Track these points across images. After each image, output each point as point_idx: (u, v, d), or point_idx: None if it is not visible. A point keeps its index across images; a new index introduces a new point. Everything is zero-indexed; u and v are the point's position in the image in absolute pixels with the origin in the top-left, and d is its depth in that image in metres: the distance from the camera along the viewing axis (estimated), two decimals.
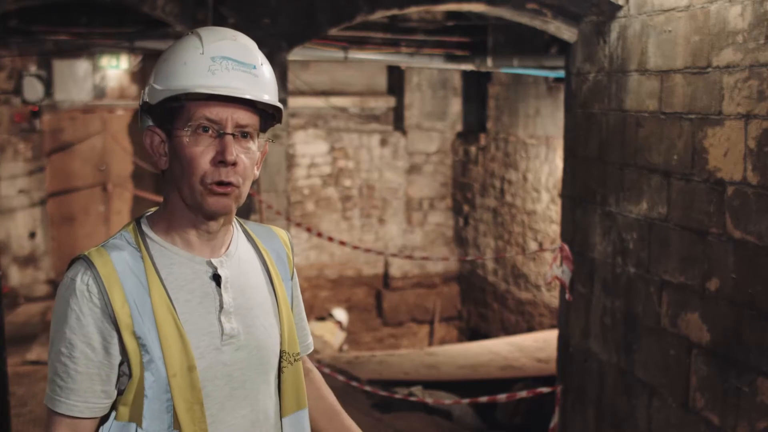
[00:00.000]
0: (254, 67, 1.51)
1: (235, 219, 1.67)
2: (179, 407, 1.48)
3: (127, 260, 1.51)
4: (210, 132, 1.49)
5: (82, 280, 1.48)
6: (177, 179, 1.52)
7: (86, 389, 1.48)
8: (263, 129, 1.59)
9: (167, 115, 1.52)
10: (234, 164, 1.49)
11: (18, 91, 9.44)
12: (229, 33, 1.55)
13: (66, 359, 1.47)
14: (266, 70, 1.55)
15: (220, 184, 1.49)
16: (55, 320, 1.49)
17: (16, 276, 9.75)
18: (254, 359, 1.58)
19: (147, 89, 1.54)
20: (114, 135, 10.11)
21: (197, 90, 1.46)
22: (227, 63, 1.48)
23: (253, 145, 1.54)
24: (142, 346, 1.48)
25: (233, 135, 1.49)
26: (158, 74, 1.53)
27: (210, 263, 1.56)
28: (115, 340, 1.48)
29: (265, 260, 1.67)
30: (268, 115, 1.57)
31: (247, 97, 1.48)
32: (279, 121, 1.60)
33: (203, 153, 1.49)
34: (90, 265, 1.49)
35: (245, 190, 1.54)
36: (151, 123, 1.56)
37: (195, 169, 1.49)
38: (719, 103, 3.32)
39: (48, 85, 9.50)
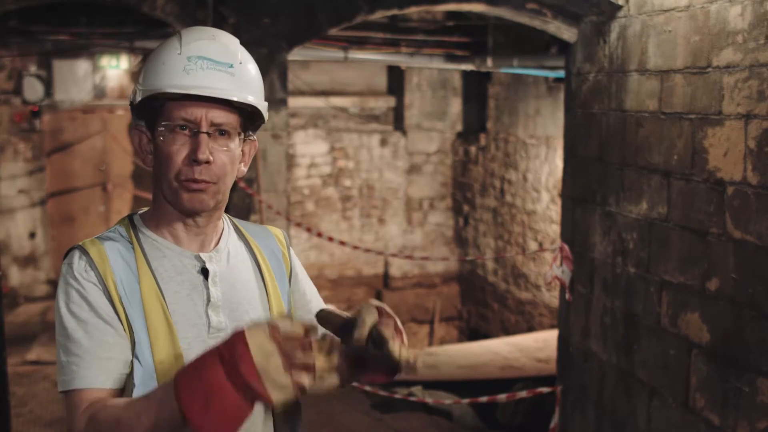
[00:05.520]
0: (231, 66, 1.53)
1: (227, 217, 1.69)
2: None
3: (119, 250, 1.54)
4: (187, 131, 1.52)
5: (79, 264, 1.51)
6: (158, 177, 1.56)
7: (102, 357, 1.46)
8: (251, 127, 1.61)
9: (150, 114, 1.55)
10: (207, 162, 1.51)
11: (18, 91, 9.44)
12: (209, 32, 1.57)
13: (75, 334, 1.46)
14: (246, 69, 1.56)
15: (194, 181, 1.52)
16: (60, 305, 1.49)
17: (16, 276, 9.75)
18: None
19: (134, 89, 1.58)
20: (114, 135, 10.11)
21: (170, 90, 1.49)
22: (202, 62, 1.51)
23: (233, 143, 1.56)
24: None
25: (208, 134, 1.52)
26: (142, 74, 1.57)
27: (198, 257, 1.59)
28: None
29: (257, 257, 1.69)
30: (250, 114, 1.59)
31: (217, 96, 1.50)
32: (262, 119, 1.61)
33: (178, 151, 1.52)
34: (84, 252, 1.53)
35: (224, 187, 1.56)
36: (138, 122, 1.60)
37: (171, 166, 1.52)
38: (719, 103, 3.32)
39: (48, 85, 9.49)
